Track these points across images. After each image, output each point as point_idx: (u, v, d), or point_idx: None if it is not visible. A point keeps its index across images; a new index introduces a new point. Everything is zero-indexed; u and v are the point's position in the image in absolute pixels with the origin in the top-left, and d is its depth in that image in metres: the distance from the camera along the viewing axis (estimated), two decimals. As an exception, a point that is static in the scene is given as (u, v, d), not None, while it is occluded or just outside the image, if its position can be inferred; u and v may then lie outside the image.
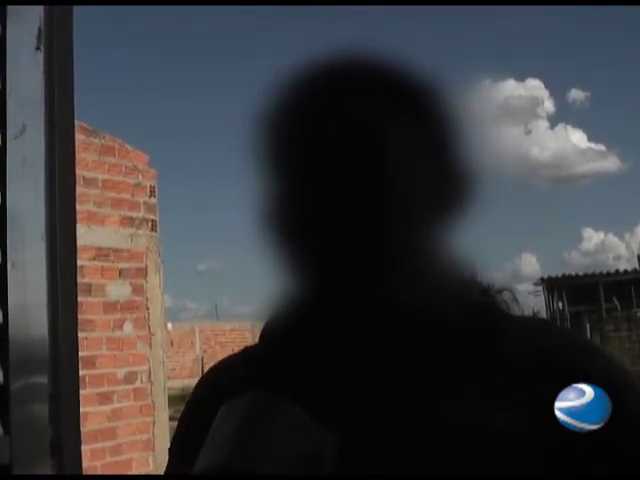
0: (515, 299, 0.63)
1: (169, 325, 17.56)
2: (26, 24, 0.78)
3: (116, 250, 3.92)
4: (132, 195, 4.06)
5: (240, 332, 20.98)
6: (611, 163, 49.13)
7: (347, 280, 0.58)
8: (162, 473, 0.71)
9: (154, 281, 4.14)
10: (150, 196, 4.18)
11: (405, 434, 0.56)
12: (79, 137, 3.62)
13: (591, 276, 16.27)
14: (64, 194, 0.78)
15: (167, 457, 0.71)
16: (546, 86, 52.75)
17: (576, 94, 52.81)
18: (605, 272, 16.39)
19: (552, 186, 56.42)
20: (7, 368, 0.71)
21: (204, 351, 20.54)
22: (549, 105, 55.00)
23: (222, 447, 0.54)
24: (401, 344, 0.58)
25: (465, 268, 0.63)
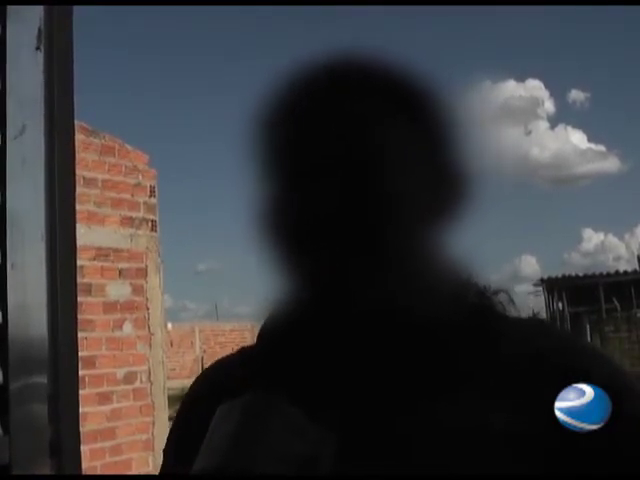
0: (511, 300, 0.63)
1: (169, 325, 17.55)
2: (26, 24, 0.78)
3: (116, 250, 3.92)
4: (132, 195, 4.06)
5: (240, 332, 20.98)
6: (611, 164, 49.12)
7: (344, 281, 0.58)
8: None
9: (154, 281, 4.14)
10: (150, 196, 4.18)
11: (402, 435, 0.56)
12: (79, 137, 3.62)
13: (591, 277, 16.25)
14: (64, 194, 0.78)
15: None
16: (546, 87, 52.72)
17: (576, 95, 52.78)
18: (605, 273, 16.37)
19: (552, 187, 56.45)
20: (7, 368, 0.71)
21: (204, 351, 20.53)
22: (549, 106, 54.97)
23: (220, 447, 0.54)
24: (397, 345, 0.58)
25: (461, 270, 0.63)
